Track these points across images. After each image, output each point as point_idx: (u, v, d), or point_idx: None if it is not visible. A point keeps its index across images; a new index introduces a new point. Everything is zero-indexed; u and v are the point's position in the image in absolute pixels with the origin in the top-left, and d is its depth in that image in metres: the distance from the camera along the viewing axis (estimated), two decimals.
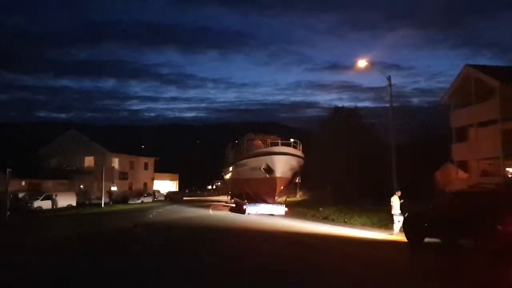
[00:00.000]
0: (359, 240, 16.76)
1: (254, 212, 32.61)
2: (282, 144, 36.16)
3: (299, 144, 37.77)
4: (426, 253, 13.46)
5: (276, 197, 35.43)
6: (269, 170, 34.16)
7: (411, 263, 12.41)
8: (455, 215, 13.29)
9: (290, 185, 40.41)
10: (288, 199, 56.58)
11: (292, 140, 37.38)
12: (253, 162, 36.67)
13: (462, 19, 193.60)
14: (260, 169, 34.95)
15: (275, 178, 33.98)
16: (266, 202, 34.30)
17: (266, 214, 31.79)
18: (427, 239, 14.48)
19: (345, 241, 16.55)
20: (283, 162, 34.03)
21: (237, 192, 43.10)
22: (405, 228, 15.68)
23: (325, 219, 27.28)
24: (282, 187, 35.98)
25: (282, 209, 32.42)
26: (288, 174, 35.64)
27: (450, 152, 33.69)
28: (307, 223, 24.77)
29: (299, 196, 61.13)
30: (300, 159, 37.10)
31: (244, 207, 33.84)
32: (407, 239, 15.21)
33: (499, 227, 11.62)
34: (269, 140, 38.42)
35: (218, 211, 38.26)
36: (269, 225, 23.57)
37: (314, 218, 29.03)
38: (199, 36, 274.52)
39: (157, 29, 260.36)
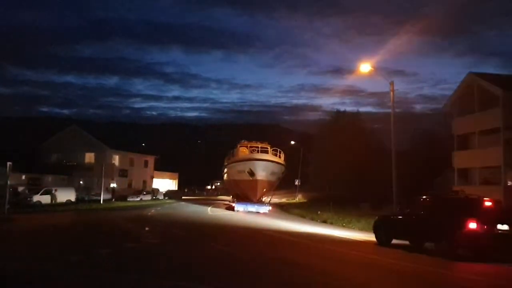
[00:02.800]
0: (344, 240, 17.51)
1: (241, 209, 36.60)
2: (271, 152, 42.59)
3: (280, 152, 43.77)
4: (389, 253, 13.98)
5: (258, 197, 40.51)
6: (252, 173, 39.34)
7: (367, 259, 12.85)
8: (417, 220, 14.59)
9: (274, 187, 45.44)
10: (287, 201, 57.04)
11: (273, 148, 43.63)
12: (240, 166, 41.88)
13: (468, 27, 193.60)
14: (245, 172, 40.15)
15: (256, 180, 39.31)
16: (251, 200, 39.21)
17: (254, 212, 35.10)
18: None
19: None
20: (264, 167, 39.33)
21: (232, 192, 48.38)
22: (374, 229, 16.83)
23: (324, 223, 27.27)
24: (264, 189, 41.56)
25: (266, 208, 36.59)
26: (269, 178, 40.83)
27: (451, 159, 33.58)
28: (306, 226, 24.74)
29: (298, 199, 61.12)
30: (281, 166, 43.05)
31: (233, 205, 38.71)
32: (376, 239, 16.32)
33: (461, 230, 12.71)
34: (260, 147, 43.72)
35: (217, 209, 40.01)
36: (267, 226, 23.58)
37: (313, 221, 29.02)
38: (204, 36, 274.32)
39: (162, 28, 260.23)
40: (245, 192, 41.21)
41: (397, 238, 15.63)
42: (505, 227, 12.82)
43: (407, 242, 15.37)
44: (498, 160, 27.96)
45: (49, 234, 17.93)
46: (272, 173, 41.14)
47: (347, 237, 19.10)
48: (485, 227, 12.68)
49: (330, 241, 17.55)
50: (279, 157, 43.25)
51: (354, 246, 16.00)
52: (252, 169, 39.31)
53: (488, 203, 13.59)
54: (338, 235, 19.65)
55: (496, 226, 12.79)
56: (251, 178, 39.67)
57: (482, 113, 30.00)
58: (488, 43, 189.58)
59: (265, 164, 39.62)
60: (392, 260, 12.20)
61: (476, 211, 13.19)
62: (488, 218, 12.95)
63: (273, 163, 41.03)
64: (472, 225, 12.62)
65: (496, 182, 28.75)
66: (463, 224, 12.73)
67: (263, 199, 43.34)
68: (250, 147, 44.72)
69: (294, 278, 9.07)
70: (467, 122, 31.78)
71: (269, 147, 44.01)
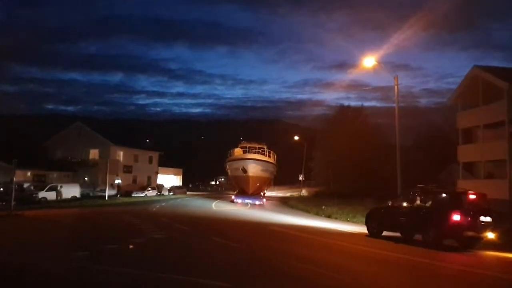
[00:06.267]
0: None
1: (240, 201, 42.01)
2: (266, 152, 50.92)
3: (271, 152, 52.02)
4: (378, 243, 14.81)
5: (251, 190, 46.90)
6: (244, 170, 46.17)
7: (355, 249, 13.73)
8: (405, 212, 15.51)
9: (267, 182, 52.58)
10: (290, 196, 57.37)
11: (265, 149, 51.79)
12: (235, 164, 48.86)
13: (473, 20, 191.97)
14: (239, 169, 47.07)
15: (248, 176, 46.21)
16: (247, 193, 45.90)
17: (257, 207, 37.83)
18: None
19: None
20: (254, 165, 46.43)
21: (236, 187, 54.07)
22: (366, 221, 17.60)
23: (328, 218, 27.28)
24: (258, 184, 48.25)
25: (260, 200, 41.48)
26: (260, 174, 47.96)
27: (456, 153, 33.46)
28: (310, 221, 24.77)
29: (302, 194, 61.15)
30: (271, 164, 51.45)
31: (232, 197, 44.52)
32: (368, 231, 17.09)
33: (445, 222, 13.61)
34: (257, 147, 51.47)
35: (221, 204, 40.82)
36: (271, 221, 23.65)
37: (317, 216, 29.04)
38: (208, 32, 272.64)
39: (167, 24, 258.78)
40: (241, 187, 48.36)
41: (387, 230, 16.38)
42: (488, 219, 13.64)
43: (398, 234, 16.07)
44: (503, 154, 27.81)
45: (54, 230, 18.11)
46: (263, 170, 48.41)
47: (349, 231, 19.41)
48: (469, 219, 13.53)
49: (325, 233, 18.21)
50: (270, 157, 51.40)
51: (346, 238, 16.59)
52: (245, 167, 46.19)
53: (472, 196, 14.39)
54: (337, 228, 20.20)
55: (479, 218, 13.56)
56: (244, 175, 46.52)
57: (487, 106, 29.83)
58: (493, 37, 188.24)
59: (255, 162, 46.78)
60: (377, 250, 12.91)
61: (460, 204, 14.08)
62: (472, 211, 13.78)
63: (263, 162, 48.53)
64: (456, 217, 13.47)
65: (501, 175, 28.63)
66: (448, 216, 13.58)
67: (262, 193, 49.55)
68: (249, 147, 51.61)
69: (287, 267, 9.60)
70: (472, 116, 31.63)
71: (265, 147, 51.91)
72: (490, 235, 13.60)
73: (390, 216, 16.09)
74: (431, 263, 11.15)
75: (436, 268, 10.58)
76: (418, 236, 15.08)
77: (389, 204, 16.85)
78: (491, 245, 13.72)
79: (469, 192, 14.60)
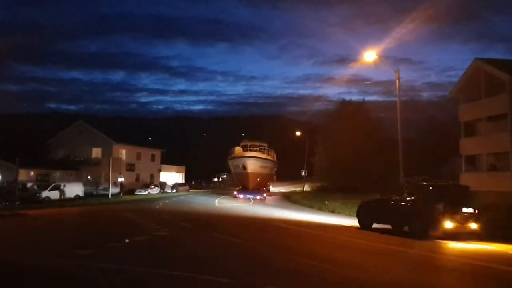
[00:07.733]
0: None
1: (241, 196, 44.70)
2: (266, 150, 54.79)
3: (267, 149, 55.35)
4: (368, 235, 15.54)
5: (251, 186, 49.77)
6: (244, 167, 49.67)
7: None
8: (392, 204, 16.19)
9: (267, 178, 56.38)
10: (294, 190, 57.65)
11: (265, 147, 55.20)
12: (236, 161, 52.33)
13: (475, 13, 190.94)
14: (240, 166, 50.58)
15: (248, 173, 49.54)
16: (248, 189, 48.77)
17: (262, 204, 38.06)
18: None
19: None
20: (253, 162, 49.93)
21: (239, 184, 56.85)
22: (357, 214, 18.41)
23: (332, 213, 27.31)
24: (257, 179, 51.37)
25: (261, 195, 44.07)
26: (259, 171, 51.33)
27: (458, 146, 33.37)
28: (313, 216, 24.80)
29: (304, 189, 61.19)
30: (270, 161, 55.70)
31: (235, 193, 47.70)
32: (359, 223, 17.83)
33: (429, 213, 14.28)
34: (258, 145, 54.58)
35: (224, 200, 40.82)
36: (275, 217, 23.70)
37: (320, 211, 29.06)
38: (209, 28, 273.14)
39: (167, 21, 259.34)
40: (243, 183, 51.57)
41: (377, 222, 17.04)
42: (470, 210, 14.43)
43: (389, 226, 16.72)
44: (506, 146, 27.71)
45: (58, 229, 18.18)
46: (262, 167, 51.81)
47: (348, 224, 19.78)
48: (452, 210, 14.25)
49: (326, 227, 18.79)
50: (269, 154, 55.22)
51: (339, 231, 17.21)
52: (244, 164, 49.43)
53: (455, 189, 15.28)
54: (338, 223, 20.71)
55: (462, 209, 14.35)
56: (244, 171, 49.75)
57: (489, 99, 29.68)
58: (494, 29, 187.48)
59: (254, 159, 50.12)
60: (362, 241, 13.85)
61: (443, 196, 14.81)
62: (455, 202, 14.55)
63: (262, 159, 52.05)
64: (439, 209, 14.22)
65: (504, 168, 28.55)
66: (432, 207, 14.32)
67: (265, 188, 53.15)
68: (250, 145, 54.66)
69: (285, 261, 9.83)
70: (474, 109, 31.50)
71: (265, 145, 55.32)
72: (473, 226, 14.24)
73: (379, 209, 16.77)
74: (406, 251, 12.00)
75: (418, 257, 11.17)
76: (407, 228, 15.65)
77: (379, 197, 17.35)
78: (475, 235, 14.28)
79: (452, 184, 15.56)
